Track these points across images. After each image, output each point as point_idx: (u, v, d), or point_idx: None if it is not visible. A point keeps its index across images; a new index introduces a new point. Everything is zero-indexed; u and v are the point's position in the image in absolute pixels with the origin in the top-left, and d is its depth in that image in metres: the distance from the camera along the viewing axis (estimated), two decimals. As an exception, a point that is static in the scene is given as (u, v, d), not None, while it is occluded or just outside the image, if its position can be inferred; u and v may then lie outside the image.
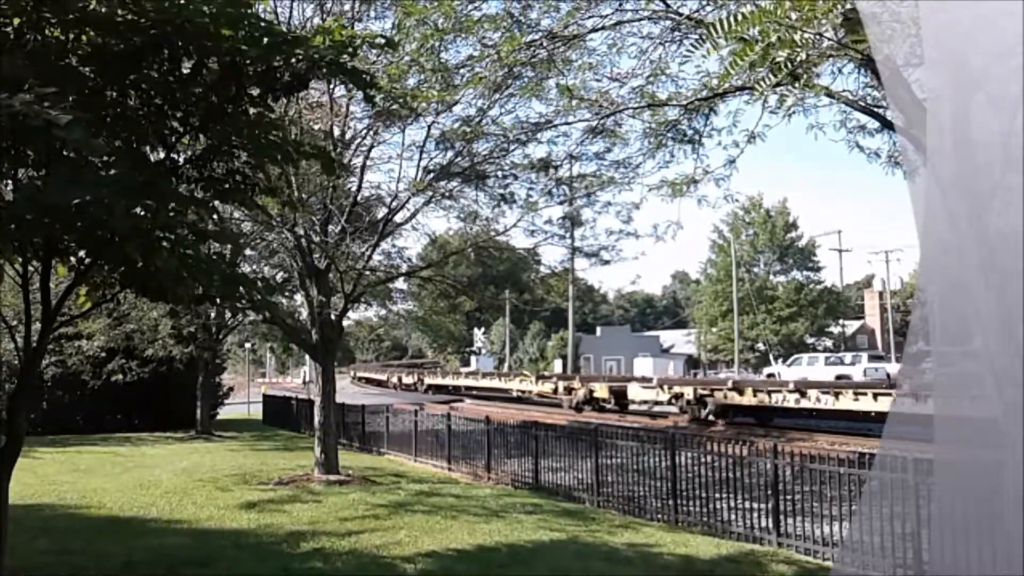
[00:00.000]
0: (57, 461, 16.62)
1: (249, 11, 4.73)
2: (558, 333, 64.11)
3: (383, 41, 5.26)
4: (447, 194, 13.68)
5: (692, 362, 61.66)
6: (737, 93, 8.53)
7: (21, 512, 8.84)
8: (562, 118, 10.94)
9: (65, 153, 4.41)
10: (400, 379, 49.45)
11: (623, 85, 9.42)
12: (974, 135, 3.14)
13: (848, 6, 4.35)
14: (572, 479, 12.19)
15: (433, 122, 12.34)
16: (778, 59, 4.47)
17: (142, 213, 4.47)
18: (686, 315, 76.36)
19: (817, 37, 4.48)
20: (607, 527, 9.59)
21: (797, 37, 4.42)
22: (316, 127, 12.03)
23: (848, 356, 36.98)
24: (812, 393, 21.82)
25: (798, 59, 4.49)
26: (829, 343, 54.05)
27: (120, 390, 24.14)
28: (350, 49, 4.99)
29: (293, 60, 4.90)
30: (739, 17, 4.34)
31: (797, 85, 5.16)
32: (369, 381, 56.80)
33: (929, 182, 3.39)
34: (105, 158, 4.59)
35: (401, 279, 19.35)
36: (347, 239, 13.35)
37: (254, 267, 16.41)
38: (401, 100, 10.49)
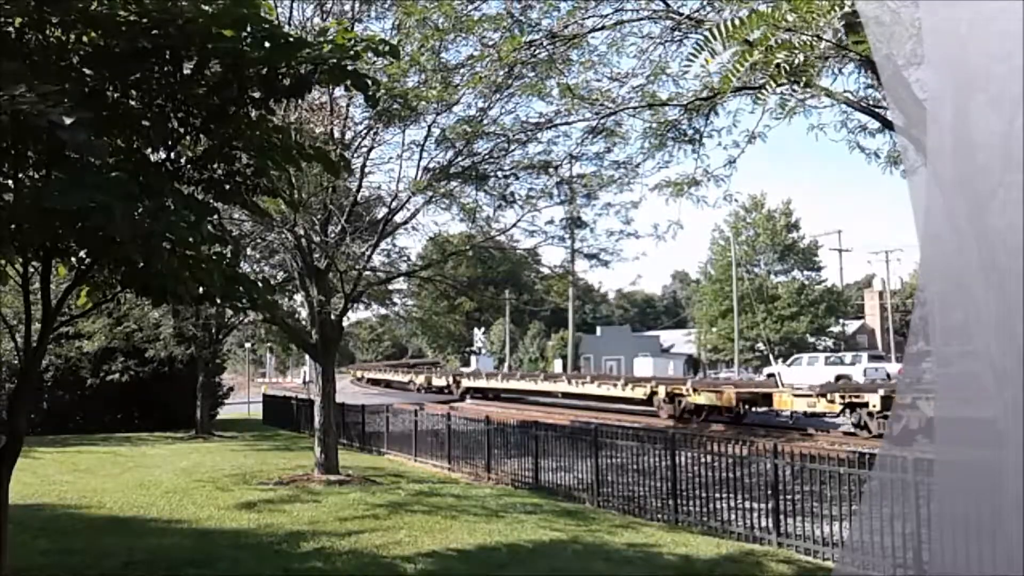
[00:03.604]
0: (57, 461, 16.62)
1: (250, 12, 4.72)
2: (558, 333, 64.10)
3: (387, 48, 5.24)
4: (447, 193, 13.69)
5: (692, 362, 61.64)
6: (737, 93, 8.54)
7: (21, 512, 8.85)
8: (562, 118, 10.95)
9: (66, 154, 4.42)
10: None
11: (623, 85, 9.44)
12: (974, 135, 3.15)
13: (847, 8, 4.36)
14: (572, 479, 12.19)
15: (433, 122, 12.35)
16: (777, 61, 4.48)
17: (143, 215, 4.47)
18: (686, 315, 76.34)
19: (816, 39, 4.48)
20: (607, 527, 9.59)
21: (796, 40, 4.42)
22: (318, 130, 12.04)
23: (848, 356, 36.92)
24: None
25: (796, 61, 4.50)
26: (830, 343, 54.02)
27: (120, 390, 24.16)
28: (352, 53, 4.98)
29: (295, 63, 4.90)
30: (737, 22, 4.34)
31: (798, 87, 5.17)
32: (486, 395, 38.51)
33: (929, 182, 3.40)
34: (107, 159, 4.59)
35: (401, 279, 19.36)
36: (347, 239, 13.36)
37: (254, 267, 16.40)
38: (401, 100, 10.49)
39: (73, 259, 5.32)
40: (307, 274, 13.85)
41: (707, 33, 4.52)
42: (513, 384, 37.84)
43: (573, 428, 14.17)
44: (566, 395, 33.61)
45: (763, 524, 9.03)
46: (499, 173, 13.41)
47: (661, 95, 9.22)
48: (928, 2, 3.19)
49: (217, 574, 7.43)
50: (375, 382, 54.81)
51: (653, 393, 27.79)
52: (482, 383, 40.35)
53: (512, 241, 16.48)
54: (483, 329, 74.17)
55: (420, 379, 46.63)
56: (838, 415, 22.05)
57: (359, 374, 60.99)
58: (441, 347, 77.05)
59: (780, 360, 42.76)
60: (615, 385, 30.53)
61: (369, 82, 5.15)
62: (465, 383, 41.33)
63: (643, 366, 50.67)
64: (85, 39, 4.83)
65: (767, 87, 4.89)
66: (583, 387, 32.42)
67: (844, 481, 8.23)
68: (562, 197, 14.06)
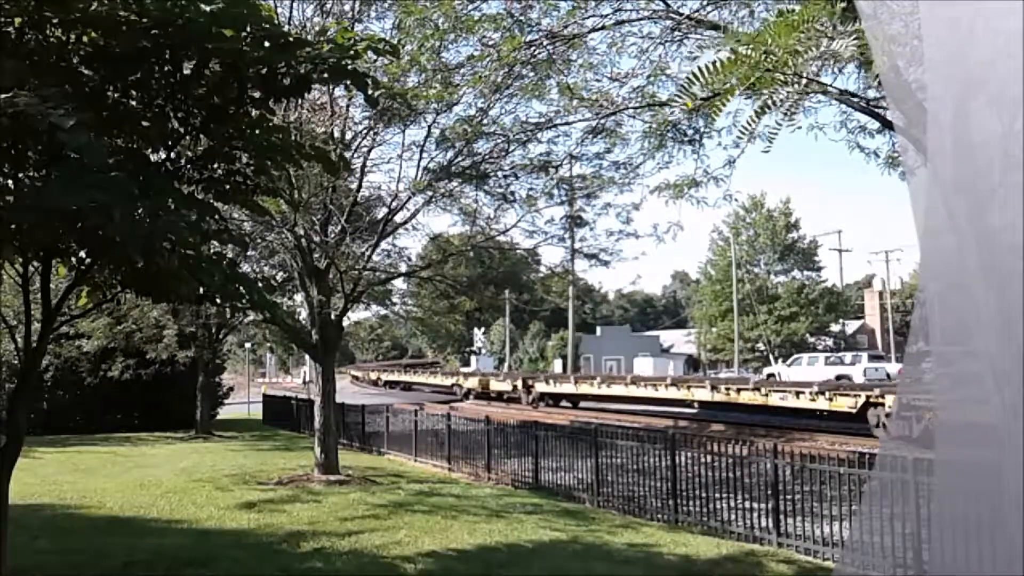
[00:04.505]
0: (57, 461, 16.62)
1: (250, 12, 4.72)
2: (558, 333, 64.08)
3: (387, 48, 5.25)
4: (447, 193, 13.69)
5: (692, 362, 61.64)
6: (737, 94, 8.52)
7: (21, 512, 8.84)
8: (562, 118, 10.94)
9: (67, 154, 4.42)
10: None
11: (623, 85, 9.43)
12: (974, 135, 3.14)
13: (823, 48, 4.42)
14: (572, 479, 12.19)
15: (433, 122, 12.36)
16: (764, 100, 4.59)
17: (143, 215, 4.47)
18: (686, 315, 76.35)
19: (797, 77, 4.55)
20: (607, 527, 9.59)
21: (780, 76, 4.49)
22: (320, 130, 12.05)
23: (848, 356, 36.93)
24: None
25: (780, 99, 4.59)
26: (830, 343, 54.04)
27: (120, 390, 24.16)
28: (352, 53, 4.98)
29: (295, 63, 4.91)
30: (718, 65, 4.41)
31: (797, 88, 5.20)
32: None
33: (929, 182, 3.40)
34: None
35: (401, 279, 19.38)
36: (347, 239, 13.37)
37: (254, 267, 16.41)
38: (401, 99, 10.50)
39: (73, 259, 5.32)
40: (307, 274, 13.86)
41: (687, 80, 4.62)
42: (618, 390, 28.87)
43: (573, 428, 14.17)
44: (705, 404, 25.66)
45: (763, 524, 9.03)
46: (499, 173, 13.42)
47: (661, 95, 9.21)
48: (928, 2, 3.18)
49: (217, 574, 7.43)
50: (392, 384, 48.80)
51: (869, 405, 20.38)
52: (568, 388, 31.36)
53: (512, 241, 16.50)
54: (483, 329, 74.20)
55: (471, 382, 38.34)
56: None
57: (374, 376, 54.06)
58: (441, 347, 77.08)
59: (780, 360, 42.79)
60: (796, 394, 22.33)
61: (369, 81, 5.15)
62: (540, 388, 32.67)
63: (643, 366, 50.69)
64: (85, 39, 4.83)
65: (751, 122, 5.01)
66: (739, 395, 23.99)
67: (844, 481, 8.24)
68: (562, 197, 14.07)
